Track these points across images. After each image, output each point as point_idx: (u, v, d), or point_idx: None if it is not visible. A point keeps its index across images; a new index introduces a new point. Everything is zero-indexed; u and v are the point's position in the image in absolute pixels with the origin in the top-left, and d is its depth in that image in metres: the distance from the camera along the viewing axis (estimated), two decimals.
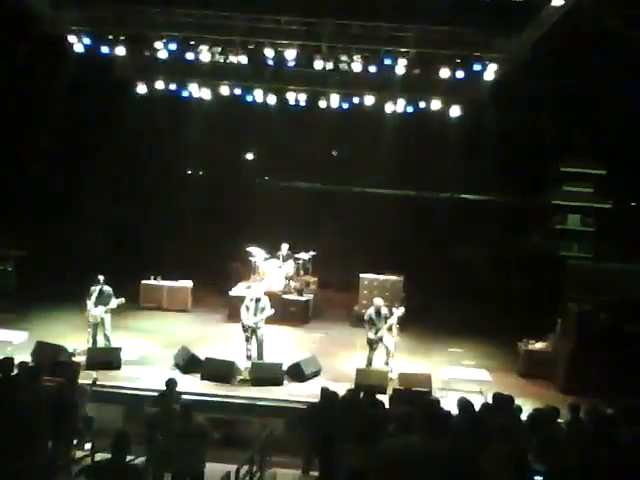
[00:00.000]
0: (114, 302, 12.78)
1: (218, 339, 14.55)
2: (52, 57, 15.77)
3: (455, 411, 7.73)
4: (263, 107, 18.74)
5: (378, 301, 12.97)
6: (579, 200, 22.13)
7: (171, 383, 9.13)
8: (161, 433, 7.90)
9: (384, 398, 10.11)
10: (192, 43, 14.77)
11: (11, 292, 15.97)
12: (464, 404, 7.72)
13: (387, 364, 12.71)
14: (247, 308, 12.76)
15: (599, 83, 16.42)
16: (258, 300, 12.78)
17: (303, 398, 10.98)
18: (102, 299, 12.78)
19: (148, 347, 13.69)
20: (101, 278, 12.85)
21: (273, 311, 12.93)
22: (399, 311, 12.65)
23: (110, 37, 14.71)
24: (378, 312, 12.73)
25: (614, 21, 12.82)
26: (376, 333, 12.61)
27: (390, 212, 20.82)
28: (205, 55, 14.66)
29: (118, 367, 12.22)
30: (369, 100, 17.25)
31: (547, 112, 18.71)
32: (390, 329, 12.67)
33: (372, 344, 12.74)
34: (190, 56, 15.12)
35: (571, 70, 15.98)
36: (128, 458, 6.28)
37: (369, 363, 12.74)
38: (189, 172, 23.83)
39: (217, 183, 22.15)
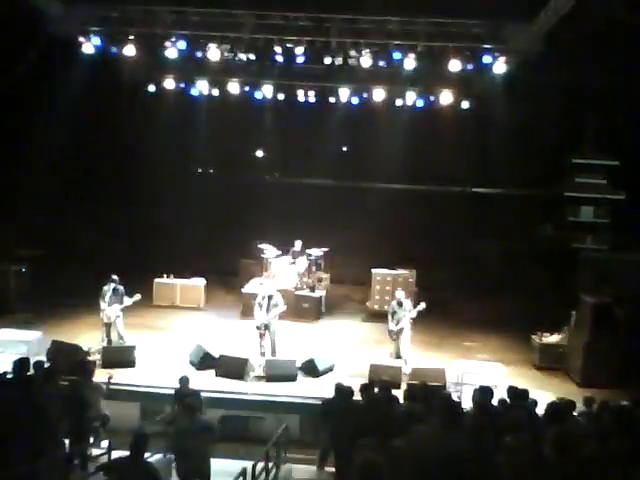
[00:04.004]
0: (129, 300, 12.86)
1: (232, 336, 14.58)
2: (62, 58, 15.83)
3: (470, 405, 7.71)
4: (272, 104, 18.76)
5: (400, 294, 13.12)
6: (592, 192, 21.94)
7: (183, 381, 9.17)
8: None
9: (398, 393, 10.10)
10: (201, 41, 14.76)
11: (26, 292, 16.10)
12: (479, 398, 7.70)
13: (402, 357, 12.70)
14: (260, 305, 12.79)
15: (611, 74, 16.25)
16: (270, 297, 12.81)
17: (317, 394, 10.99)
18: (116, 298, 12.87)
19: (162, 345, 13.75)
20: (115, 277, 12.93)
21: (285, 307, 12.94)
22: (420, 306, 12.73)
23: (119, 37, 14.74)
24: (400, 304, 12.86)
25: (627, 11, 12.69)
26: (397, 324, 12.69)
27: (401, 207, 20.72)
28: (214, 53, 14.63)
29: (133, 365, 12.31)
30: (379, 95, 17.17)
31: (559, 104, 18.54)
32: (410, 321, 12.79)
33: (392, 336, 12.83)
34: (199, 54, 15.13)
35: (583, 61, 15.80)
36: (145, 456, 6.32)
37: (397, 356, 12.79)
38: (200, 170, 23.84)
39: (228, 181, 22.15)
